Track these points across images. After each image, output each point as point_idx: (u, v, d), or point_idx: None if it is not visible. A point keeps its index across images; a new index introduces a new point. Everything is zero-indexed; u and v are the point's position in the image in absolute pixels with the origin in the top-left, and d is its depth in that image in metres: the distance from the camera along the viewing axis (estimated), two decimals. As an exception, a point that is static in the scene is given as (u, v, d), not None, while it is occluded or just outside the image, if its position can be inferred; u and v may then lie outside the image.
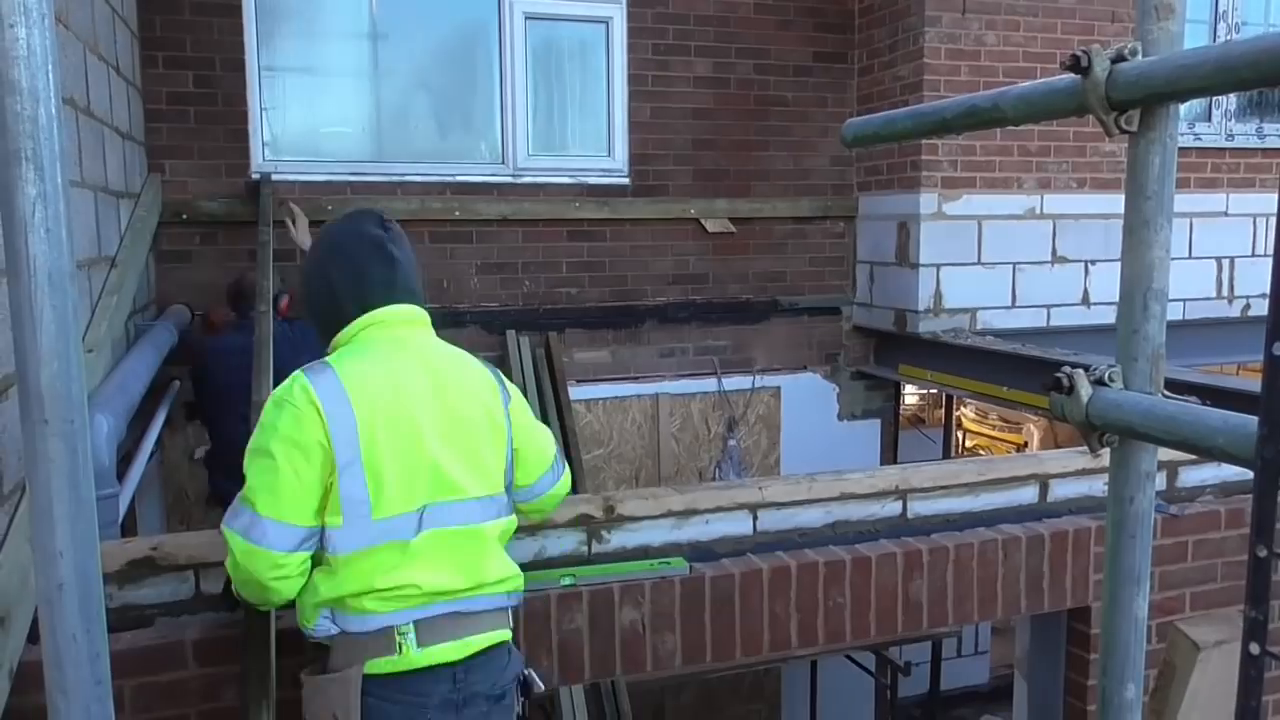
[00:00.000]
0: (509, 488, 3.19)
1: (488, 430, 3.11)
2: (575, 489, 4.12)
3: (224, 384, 5.97)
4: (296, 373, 2.90)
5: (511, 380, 3.42)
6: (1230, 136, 8.45)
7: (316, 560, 2.91)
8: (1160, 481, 4.64)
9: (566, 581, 3.85)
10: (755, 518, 4.29)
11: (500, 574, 3.09)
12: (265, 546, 2.81)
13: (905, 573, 4.26)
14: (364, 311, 3.06)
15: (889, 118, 2.84)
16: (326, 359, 3.00)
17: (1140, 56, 2.04)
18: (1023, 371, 6.75)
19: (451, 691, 2.95)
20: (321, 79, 7.41)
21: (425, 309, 3.19)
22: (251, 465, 2.86)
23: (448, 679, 2.96)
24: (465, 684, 2.98)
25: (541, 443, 3.34)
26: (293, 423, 2.81)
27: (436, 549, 2.95)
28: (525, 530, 3.91)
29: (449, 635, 2.97)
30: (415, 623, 2.92)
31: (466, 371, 3.15)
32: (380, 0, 7.33)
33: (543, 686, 3.23)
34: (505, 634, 3.11)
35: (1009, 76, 7.51)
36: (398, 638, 2.90)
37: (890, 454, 8.69)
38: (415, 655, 2.91)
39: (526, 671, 3.18)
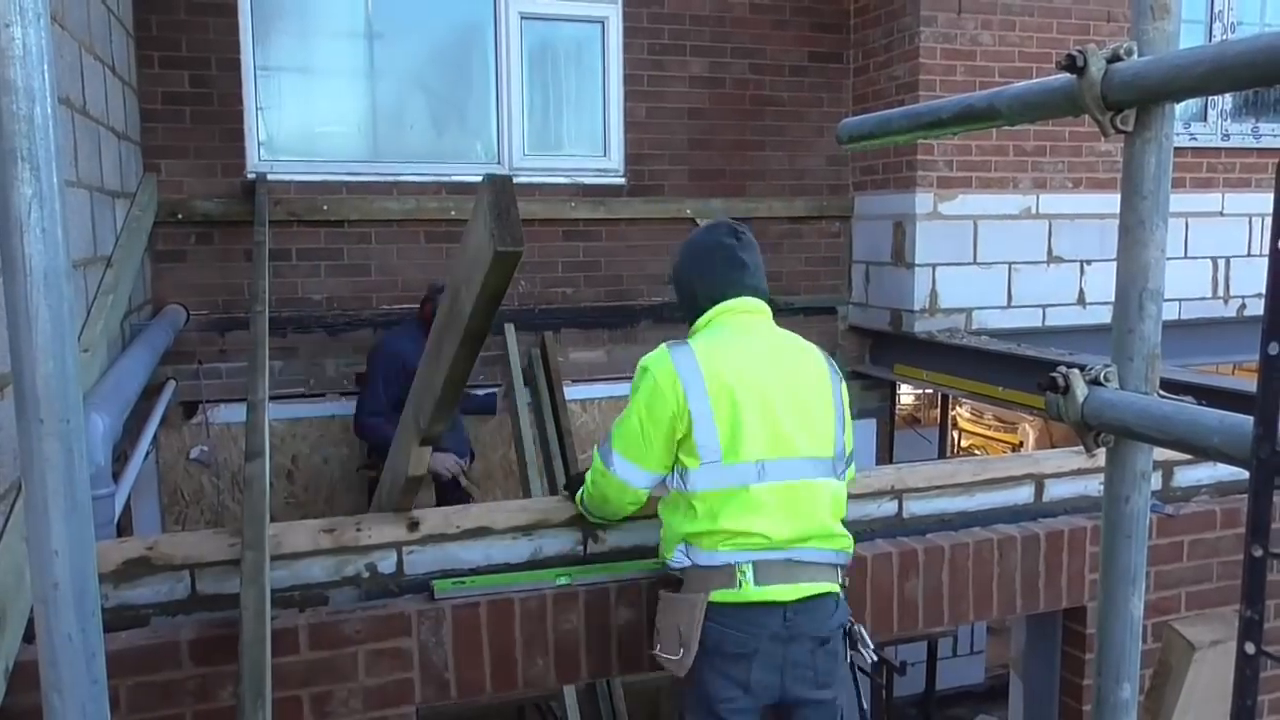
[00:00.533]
0: (840, 456, 3.66)
1: (821, 401, 3.66)
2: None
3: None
4: (661, 346, 3.62)
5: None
6: (1226, 136, 8.45)
7: (678, 505, 3.54)
8: (1156, 481, 4.64)
9: (562, 581, 3.85)
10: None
11: (832, 531, 3.57)
12: (620, 477, 3.60)
13: (901, 572, 4.27)
14: (715, 303, 3.73)
15: (884, 118, 2.84)
16: (688, 338, 3.73)
17: (1136, 56, 2.04)
18: (1018, 371, 6.75)
19: (781, 627, 3.43)
20: (317, 79, 7.41)
21: (768, 302, 3.82)
22: (622, 416, 3.62)
23: (779, 616, 3.44)
24: (794, 623, 3.44)
25: (851, 426, 3.84)
26: (652, 387, 3.51)
27: (776, 500, 3.48)
28: (520, 530, 3.92)
29: (782, 579, 3.46)
30: (754, 563, 3.44)
31: (803, 351, 3.76)
32: (376, 0, 7.33)
33: (870, 644, 3.60)
34: (833, 586, 3.54)
35: (1005, 76, 7.50)
36: (738, 574, 3.44)
37: (886, 454, 8.69)
38: (752, 591, 3.43)
39: (854, 624, 3.59)
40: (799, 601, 3.45)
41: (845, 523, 3.65)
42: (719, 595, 3.43)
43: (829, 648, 3.50)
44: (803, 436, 3.54)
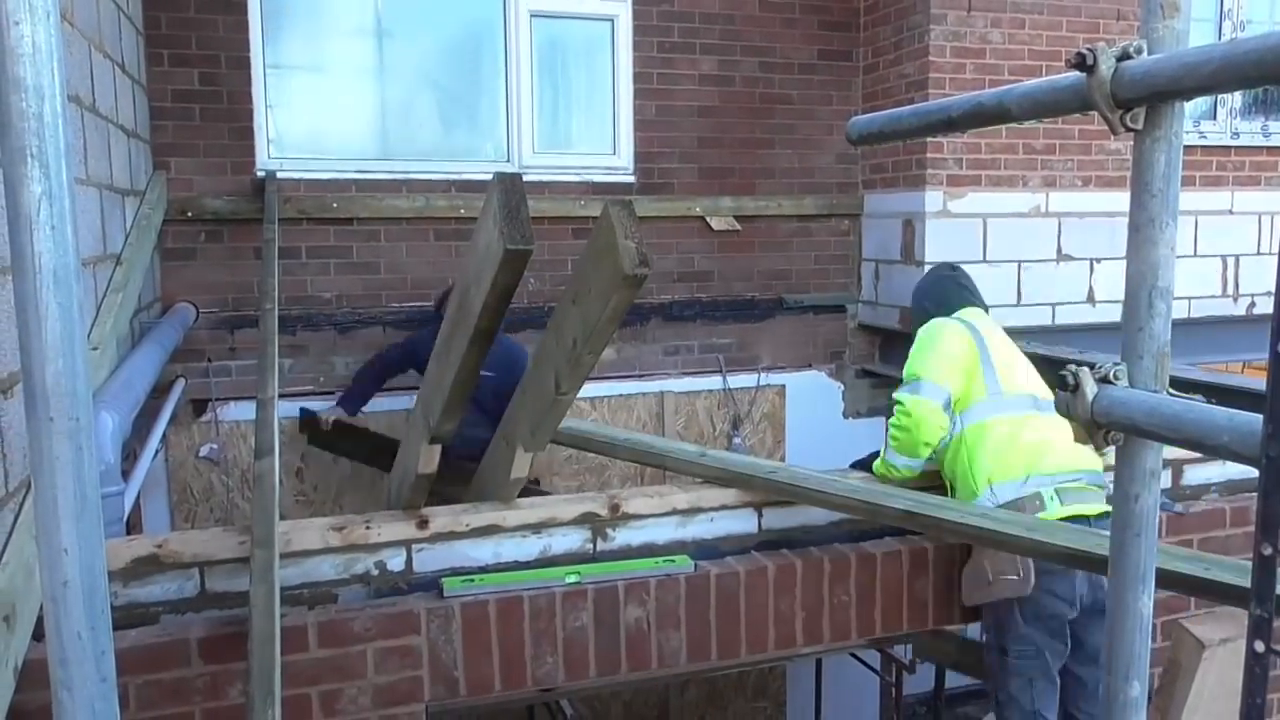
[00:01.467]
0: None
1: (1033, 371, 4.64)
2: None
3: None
4: (934, 320, 4.66)
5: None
6: (1236, 134, 8.43)
7: (972, 445, 4.27)
8: (1165, 479, 4.64)
9: (571, 579, 3.86)
10: (760, 516, 4.30)
11: (1094, 458, 4.26)
12: (925, 396, 4.30)
13: (910, 570, 4.27)
14: (954, 310, 4.75)
15: (894, 115, 2.84)
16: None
17: (1146, 54, 2.04)
18: (1028, 369, 6.74)
19: (1092, 535, 3.77)
20: (327, 77, 7.41)
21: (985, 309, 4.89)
22: (916, 358, 4.46)
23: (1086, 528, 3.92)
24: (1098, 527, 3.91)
25: None
26: (943, 331, 4.52)
27: (1051, 430, 4.21)
28: (530, 528, 3.92)
29: (1080, 498, 4.11)
30: (1056, 487, 4.10)
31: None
32: (385, -2, 7.34)
33: None
34: (1109, 506, 3.80)
35: (1014, 74, 7.49)
36: (1045, 497, 4.08)
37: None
38: (1061, 509, 4.05)
39: None
40: (1098, 517, 4.03)
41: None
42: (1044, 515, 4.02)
43: None
44: (1036, 379, 4.54)
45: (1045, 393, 4.41)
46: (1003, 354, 4.50)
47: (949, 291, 4.89)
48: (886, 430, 4.44)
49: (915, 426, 4.28)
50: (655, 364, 8.03)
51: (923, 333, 4.57)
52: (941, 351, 4.40)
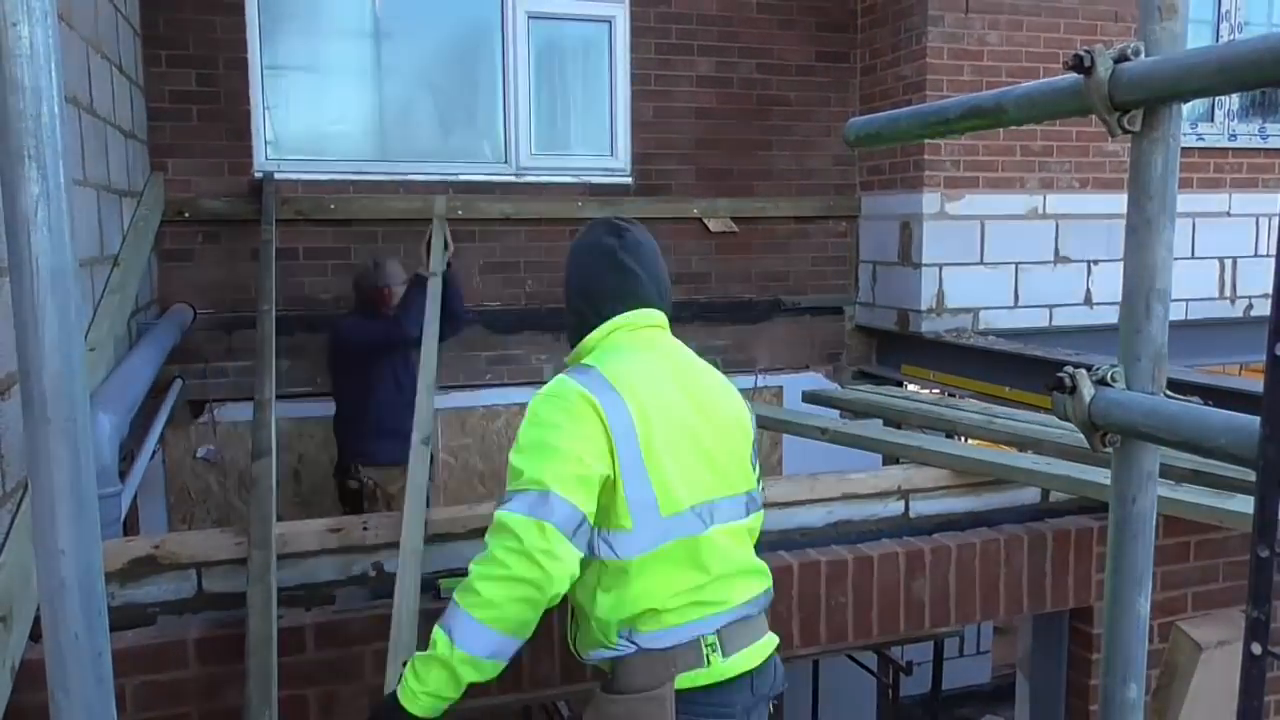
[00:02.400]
0: (758, 484, 3.14)
1: (739, 429, 3.09)
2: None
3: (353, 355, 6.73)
4: (561, 376, 2.86)
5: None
6: (1233, 136, 8.44)
7: (609, 582, 2.81)
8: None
9: (569, 580, 3.82)
10: (757, 517, 4.28)
11: (764, 574, 3.07)
12: (553, 523, 2.63)
13: (907, 572, 4.26)
14: (604, 319, 3.02)
15: (892, 117, 2.84)
16: (583, 362, 2.95)
17: (1143, 56, 2.04)
18: (1025, 371, 6.75)
19: (749, 700, 2.91)
20: (324, 78, 7.41)
21: (667, 311, 3.16)
22: (527, 455, 2.73)
23: (746, 687, 2.90)
24: (758, 691, 2.94)
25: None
26: (569, 414, 2.74)
27: (726, 548, 2.91)
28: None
29: (747, 641, 2.92)
30: (719, 631, 2.86)
31: (712, 373, 3.15)
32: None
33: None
34: (774, 637, 3.05)
35: (1012, 76, 7.50)
36: (704, 649, 2.84)
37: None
38: (722, 665, 2.85)
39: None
40: (762, 665, 2.96)
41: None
42: (685, 680, 2.81)
43: (773, 704, 3.11)
44: (735, 472, 3.01)
45: (741, 477, 3.05)
46: (674, 434, 2.87)
47: (605, 281, 3.07)
48: None
49: (519, 579, 2.68)
50: (653, 365, 8.02)
51: (536, 408, 2.83)
52: (567, 445, 2.72)
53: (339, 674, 3.56)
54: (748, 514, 3.02)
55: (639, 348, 2.99)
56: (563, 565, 2.65)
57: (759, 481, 3.15)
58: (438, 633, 2.72)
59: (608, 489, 2.74)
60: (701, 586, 2.84)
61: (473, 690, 2.85)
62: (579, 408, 2.73)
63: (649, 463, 2.76)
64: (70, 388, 1.73)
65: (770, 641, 3.00)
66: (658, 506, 2.77)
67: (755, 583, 3.01)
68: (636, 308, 3.04)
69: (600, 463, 2.71)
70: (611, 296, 3.03)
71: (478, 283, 7.45)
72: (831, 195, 8.41)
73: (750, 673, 2.89)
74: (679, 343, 3.15)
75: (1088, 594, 4.50)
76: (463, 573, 2.82)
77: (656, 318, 3.09)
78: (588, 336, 3.03)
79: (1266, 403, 1.69)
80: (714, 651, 2.83)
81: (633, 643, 2.80)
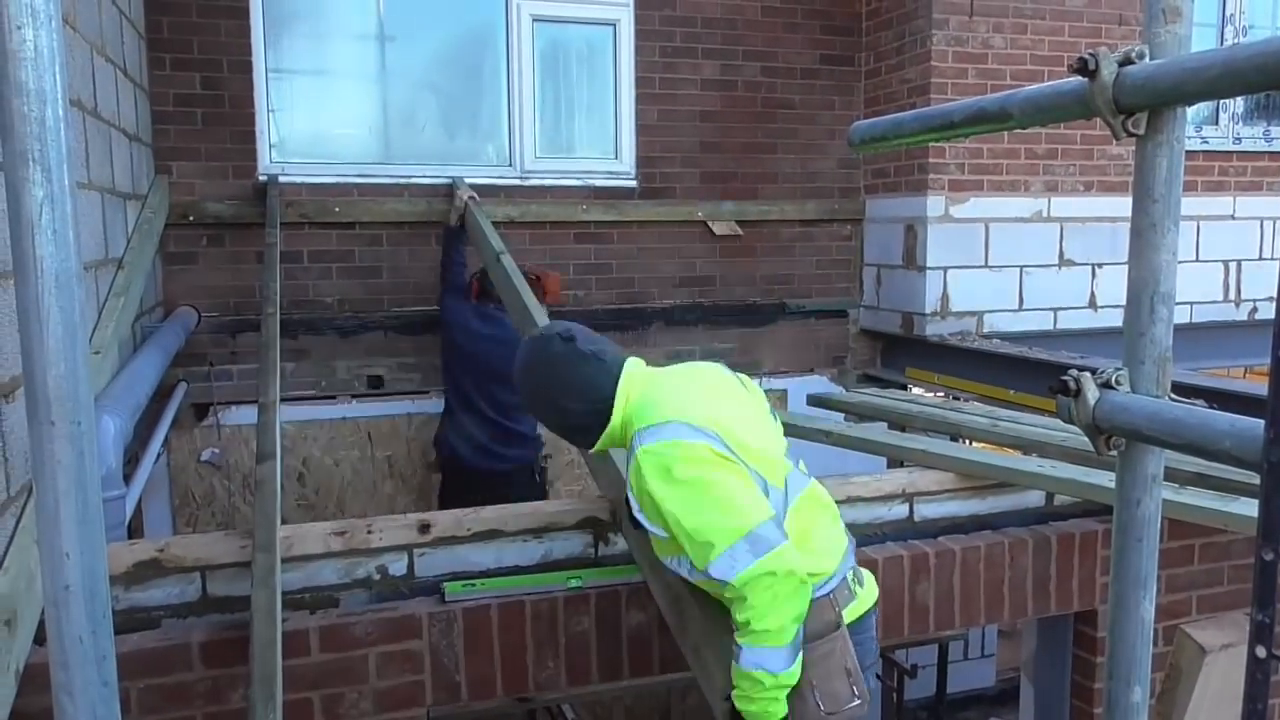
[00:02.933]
0: None
1: (759, 399, 3.52)
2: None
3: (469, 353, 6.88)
4: (657, 440, 3.05)
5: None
6: (1238, 139, 8.44)
7: None
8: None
9: (573, 583, 3.85)
10: (761, 520, 4.29)
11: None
12: (773, 544, 2.93)
13: (912, 575, 4.27)
14: (612, 399, 3.28)
15: (896, 121, 2.84)
16: (654, 420, 3.12)
17: (1148, 60, 2.04)
18: (1029, 374, 6.74)
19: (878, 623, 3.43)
20: (329, 81, 7.42)
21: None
22: (707, 528, 2.95)
23: (874, 611, 3.40)
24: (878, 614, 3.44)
25: None
26: (699, 455, 3.01)
27: (821, 491, 3.39)
28: (531, 532, 3.92)
29: (862, 576, 3.39)
30: (851, 569, 3.32)
31: (716, 367, 3.59)
32: (388, 2, 7.33)
33: None
34: None
35: (1016, 79, 7.49)
36: (851, 584, 3.28)
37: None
38: (862, 593, 3.33)
39: None
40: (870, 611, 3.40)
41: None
42: (849, 613, 3.23)
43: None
44: (775, 429, 3.46)
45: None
46: (746, 430, 3.27)
47: (582, 366, 3.31)
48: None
49: (790, 596, 2.95)
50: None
51: (671, 474, 3.02)
52: (731, 479, 3.06)
53: (343, 677, 3.56)
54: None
55: (662, 385, 3.31)
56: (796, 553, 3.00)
57: None
58: (752, 672, 2.95)
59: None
60: (831, 526, 3.33)
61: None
62: (700, 446, 3.03)
63: (745, 458, 3.08)
64: (75, 391, 1.73)
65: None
66: (768, 486, 3.13)
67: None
68: (619, 372, 3.33)
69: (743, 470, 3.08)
70: (602, 374, 3.30)
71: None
72: (836, 198, 8.41)
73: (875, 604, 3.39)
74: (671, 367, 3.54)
75: (1092, 597, 4.50)
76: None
77: (637, 364, 3.42)
78: (613, 421, 3.28)
79: (1271, 406, 1.68)
80: (854, 584, 3.30)
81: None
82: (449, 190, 7.29)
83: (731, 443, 3.05)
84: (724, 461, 3.02)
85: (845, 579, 3.24)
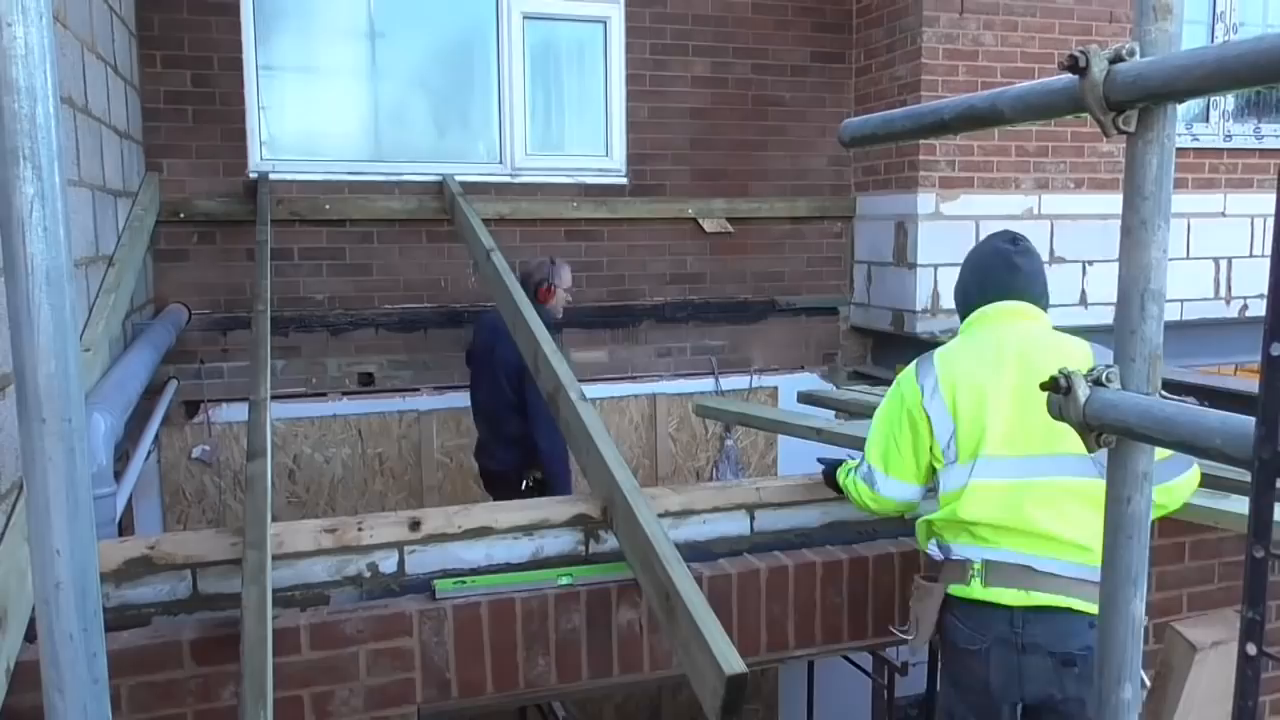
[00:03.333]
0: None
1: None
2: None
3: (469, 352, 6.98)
4: (918, 360, 3.76)
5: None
6: (1228, 137, 8.45)
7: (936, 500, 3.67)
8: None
9: (564, 581, 3.85)
10: (752, 518, 4.30)
11: (1084, 541, 3.40)
12: (888, 495, 3.77)
13: (903, 572, 4.27)
14: (975, 309, 3.83)
15: (887, 118, 2.84)
16: (937, 349, 3.81)
17: (1138, 57, 2.04)
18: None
19: (1009, 633, 3.42)
20: (320, 78, 7.41)
21: (1044, 305, 3.95)
22: (874, 428, 3.83)
23: (1005, 620, 3.43)
24: (1024, 632, 3.41)
25: None
26: (898, 399, 3.73)
27: (1015, 499, 3.46)
28: (521, 530, 3.92)
29: (1014, 582, 3.44)
30: (985, 561, 3.48)
31: (1063, 349, 3.75)
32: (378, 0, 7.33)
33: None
34: (1080, 603, 3.36)
35: (1007, 77, 7.51)
36: (971, 570, 3.49)
37: (888, 454, 8.67)
38: (979, 589, 3.47)
39: None
40: (1030, 610, 3.41)
41: None
42: (954, 589, 3.53)
43: (1077, 672, 3.36)
44: (1049, 432, 3.12)
45: (1062, 439, 3.24)
46: (981, 398, 3.57)
47: (991, 273, 3.89)
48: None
49: (867, 507, 3.93)
50: (647, 366, 8.03)
51: (894, 387, 3.83)
52: (893, 425, 3.77)
53: (334, 674, 3.56)
54: (1061, 472, 3.46)
55: (985, 333, 3.79)
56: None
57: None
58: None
59: (927, 439, 3.66)
60: (976, 522, 3.50)
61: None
62: (905, 383, 3.77)
63: (957, 420, 3.58)
64: (65, 388, 1.73)
65: (1058, 600, 3.40)
66: (956, 458, 3.57)
67: (1062, 542, 3.43)
68: (1012, 299, 3.85)
69: (912, 438, 3.71)
70: (992, 288, 3.87)
71: (472, 283, 7.45)
72: (827, 196, 8.42)
73: (1011, 609, 3.43)
74: (1041, 329, 3.88)
75: (1083, 594, 4.50)
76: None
77: (1022, 309, 3.86)
78: (965, 320, 3.90)
79: (1262, 403, 1.69)
80: (976, 574, 3.49)
81: (939, 551, 3.64)
82: (440, 188, 7.30)
83: (948, 403, 3.61)
84: (900, 427, 3.72)
85: (968, 563, 3.50)
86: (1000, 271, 3.84)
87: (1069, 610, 3.38)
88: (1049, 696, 3.43)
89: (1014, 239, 3.92)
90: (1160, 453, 3.29)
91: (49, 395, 1.71)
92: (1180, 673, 4.46)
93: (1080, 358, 3.58)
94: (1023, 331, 3.76)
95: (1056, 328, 3.93)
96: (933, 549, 3.64)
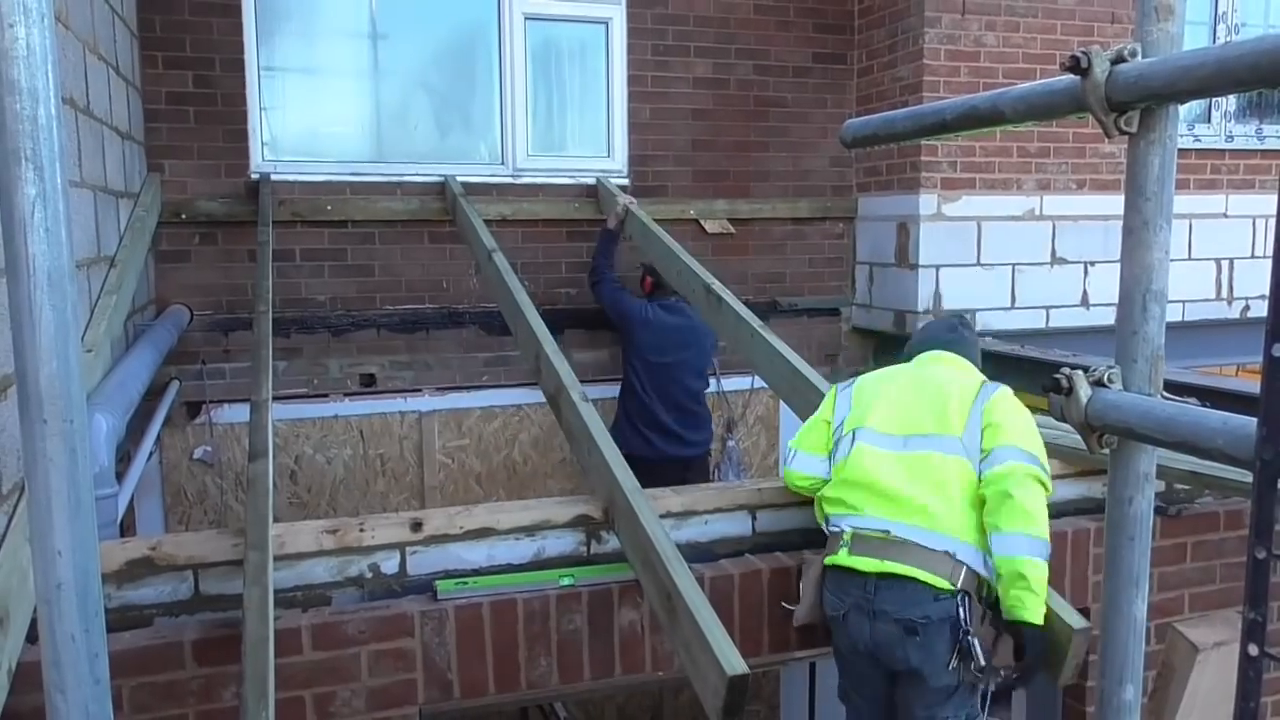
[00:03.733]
0: (969, 437, 3.80)
1: (947, 403, 3.88)
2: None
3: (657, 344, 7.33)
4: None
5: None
6: (1230, 138, 8.45)
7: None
8: (1159, 482, 4.64)
9: (565, 582, 3.85)
10: (754, 518, 4.30)
11: (940, 515, 3.71)
12: (796, 469, 4.14)
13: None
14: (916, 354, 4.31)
15: (888, 119, 2.84)
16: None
17: (1140, 58, 2.04)
18: (1022, 373, 6.73)
19: (863, 599, 3.70)
20: (321, 79, 7.41)
21: (964, 356, 4.26)
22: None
23: (860, 586, 3.71)
24: (875, 599, 3.67)
25: (1010, 437, 3.77)
26: (825, 401, 4.30)
27: (881, 470, 3.82)
28: (523, 530, 3.92)
29: (872, 552, 3.72)
30: (854, 531, 3.79)
31: (951, 380, 4.01)
32: (380, 0, 7.33)
33: (982, 661, 3.58)
34: (925, 574, 3.61)
35: (1008, 78, 7.49)
36: (841, 540, 3.80)
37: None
38: (843, 557, 3.76)
39: (969, 638, 3.59)
40: (880, 576, 3.67)
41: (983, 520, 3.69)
42: (828, 558, 3.83)
43: (918, 641, 3.61)
44: (924, 419, 3.88)
45: (930, 423, 3.87)
46: (859, 408, 4.06)
47: (924, 335, 4.50)
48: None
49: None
50: (649, 367, 8.02)
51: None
52: (811, 422, 4.39)
53: (335, 675, 3.56)
54: (935, 450, 3.81)
55: (901, 366, 4.32)
56: None
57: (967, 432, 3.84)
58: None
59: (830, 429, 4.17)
60: (847, 495, 3.89)
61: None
62: (827, 398, 4.32)
63: (842, 424, 4.11)
64: (67, 389, 1.73)
65: (906, 569, 3.64)
66: (842, 432, 4.08)
67: (908, 511, 3.73)
68: (936, 349, 4.29)
69: (822, 428, 4.21)
70: (917, 344, 4.42)
71: (474, 284, 7.45)
72: (828, 196, 8.41)
73: (864, 575, 3.70)
74: (949, 370, 4.14)
75: (1085, 596, 4.50)
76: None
77: (938, 355, 4.24)
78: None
79: (1264, 404, 1.69)
80: (843, 544, 3.79)
81: (826, 525, 4.00)
82: (441, 189, 7.30)
83: (840, 411, 4.19)
84: (816, 420, 4.28)
85: (841, 534, 3.83)
86: (942, 332, 4.40)
87: (915, 580, 3.62)
88: (892, 665, 3.72)
89: (962, 318, 4.70)
90: (1006, 520, 3.64)
91: (51, 396, 1.71)
92: (1182, 673, 4.46)
93: (970, 381, 4.02)
94: (931, 370, 4.17)
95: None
96: (825, 526, 3.98)
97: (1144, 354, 2.14)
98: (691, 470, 7.21)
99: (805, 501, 4.26)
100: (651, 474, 6.62)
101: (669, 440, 7.20)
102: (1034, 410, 4.78)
